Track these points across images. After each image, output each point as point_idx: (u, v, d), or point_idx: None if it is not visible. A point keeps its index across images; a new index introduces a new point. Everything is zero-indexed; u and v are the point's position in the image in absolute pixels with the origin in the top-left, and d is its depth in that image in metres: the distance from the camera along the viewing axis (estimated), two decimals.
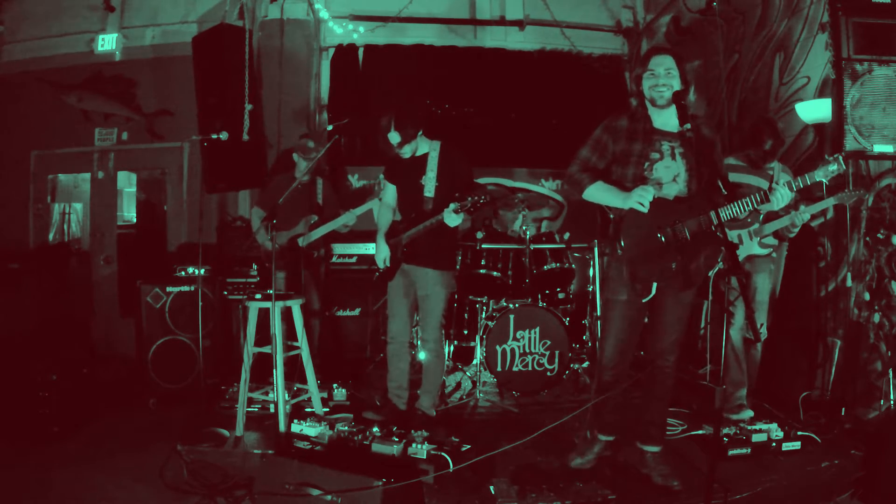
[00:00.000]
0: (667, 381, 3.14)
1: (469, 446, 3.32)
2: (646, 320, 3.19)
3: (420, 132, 3.85)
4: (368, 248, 5.37)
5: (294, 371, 4.30)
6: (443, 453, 3.14)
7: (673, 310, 3.05)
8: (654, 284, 2.98)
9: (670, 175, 2.96)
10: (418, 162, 3.86)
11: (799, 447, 3.43)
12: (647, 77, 2.96)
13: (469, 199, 3.52)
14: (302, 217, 4.76)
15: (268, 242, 4.79)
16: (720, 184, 2.84)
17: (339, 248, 5.55)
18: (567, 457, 3.36)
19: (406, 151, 3.84)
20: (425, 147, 3.89)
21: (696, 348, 5.28)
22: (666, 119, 2.99)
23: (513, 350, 4.60)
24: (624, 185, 3.00)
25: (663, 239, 2.91)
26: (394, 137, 3.78)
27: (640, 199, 2.86)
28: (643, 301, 3.02)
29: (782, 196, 2.82)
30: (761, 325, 3.93)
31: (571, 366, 4.82)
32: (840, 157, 2.75)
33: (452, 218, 3.61)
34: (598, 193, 3.05)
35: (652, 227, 2.92)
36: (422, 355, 3.98)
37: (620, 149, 3.02)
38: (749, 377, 3.96)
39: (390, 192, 4.06)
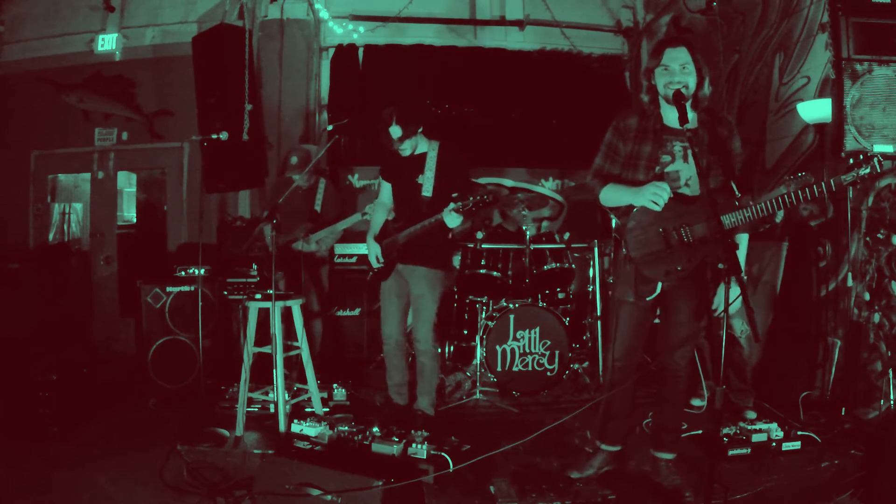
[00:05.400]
0: (677, 383, 2.99)
1: (469, 446, 3.32)
2: (657, 321, 3.05)
3: (420, 129, 3.80)
4: None
5: (294, 371, 4.29)
6: (443, 453, 3.14)
7: (683, 310, 2.87)
8: (659, 284, 2.79)
9: (683, 179, 2.75)
10: (416, 161, 3.82)
11: (799, 447, 3.42)
12: (661, 73, 2.69)
13: (471, 198, 3.43)
14: (299, 224, 4.75)
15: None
16: (734, 186, 2.59)
17: (339, 248, 5.54)
18: (567, 457, 3.34)
19: (406, 148, 3.78)
20: (424, 146, 3.85)
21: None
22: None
23: (513, 350, 4.60)
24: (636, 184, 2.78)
25: (666, 239, 2.71)
26: (395, 132, 3.71)
27: (653, 197, 2.64)
28: (647, 300, 2.81)
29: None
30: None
31: (571, 366, 4.81)
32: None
33: (452, 218, 3.54)
34: (611, 194, 2.83)
35: (658, 228, 2.72)
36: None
37: (629, 150, 2.79)
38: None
39: (386, 190, 4.03)
